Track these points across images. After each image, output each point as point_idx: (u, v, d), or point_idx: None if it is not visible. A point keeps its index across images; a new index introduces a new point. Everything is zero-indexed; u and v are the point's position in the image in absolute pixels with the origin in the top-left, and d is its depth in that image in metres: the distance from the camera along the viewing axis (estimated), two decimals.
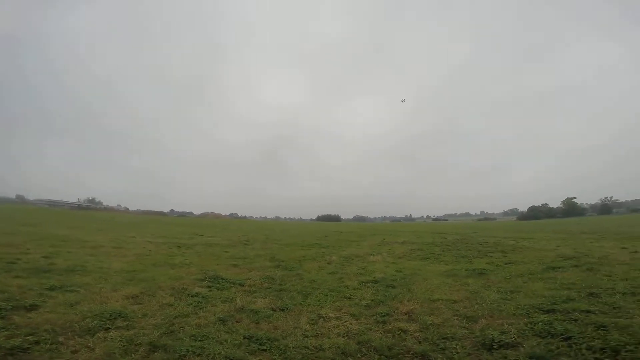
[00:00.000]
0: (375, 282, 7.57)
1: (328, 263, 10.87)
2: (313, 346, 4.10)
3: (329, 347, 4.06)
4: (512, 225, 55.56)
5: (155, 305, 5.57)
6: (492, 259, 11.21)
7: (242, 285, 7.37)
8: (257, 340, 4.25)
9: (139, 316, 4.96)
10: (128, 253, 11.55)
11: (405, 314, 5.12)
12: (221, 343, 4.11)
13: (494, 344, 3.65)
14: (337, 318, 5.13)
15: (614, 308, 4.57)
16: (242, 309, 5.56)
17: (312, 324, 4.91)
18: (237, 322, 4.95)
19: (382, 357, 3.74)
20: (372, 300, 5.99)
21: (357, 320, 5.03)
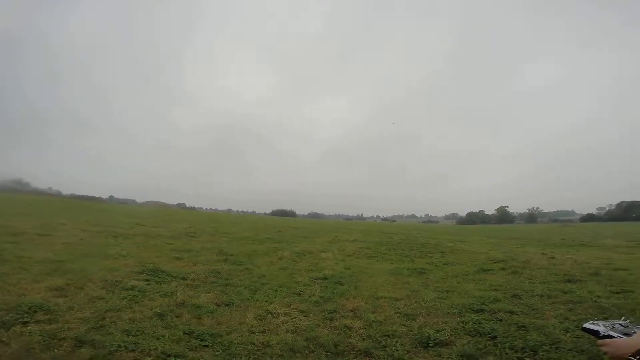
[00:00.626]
0: (325, 278, 7.70)
1: (280, 258, 10.81)
2: (259, 342, 4.05)
3: (277, 344, 4.03)
4: (452, 229, 60.17)
5: (83, 298, 5.09)
6: (432, 259, 12.01)
7: (184, 279, 7.02)
8: (198, 335, 4.10)
9: (64, 309, 4.51)
10: (56, 241, 10.33)
11: (351, 310, 5.28)
12: (158, 339, 3.90)
13: (429, 341, 3.89)
14: (286, 314, 5.12)
15: (533, 309, 5.08)
16: (183, 303, 5.33)
17: (259, 319, 4.84)
18: (176, 317, 4.73)
19: (329, 353, 3.81)
20: (321, 296, 6.08)
21: (305, 316, 5.06)
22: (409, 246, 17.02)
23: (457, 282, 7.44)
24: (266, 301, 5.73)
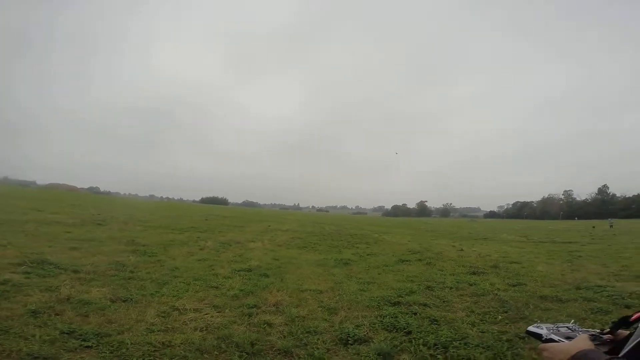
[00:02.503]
0: (249, 270, 7.23)
1: (201, 249, 9.95)
2: (159, 342, 3.50)
3: (180, 343, 3.51)
4: (378, 220, 64.40)
5: None
6: (358, 250, 12.38)
7: (76, 271, 5.98)
8: (80, 335, 3.47)
9: None
10: None
11: (274, 305, 4.93)
12: (26, 339, 3.26)
13: (349, 338, 3.77)
14: (196, 310, 4.54)
15: (443, 302, 5.34)
16: (68, 299, 4.52)
17: (162, 317, 4.23)
18: (56, 314, 4.00)
19: (243, 354, 3.41)
20: (241, 290, 5.60)
21: (220, 312, 4.56)
22: (338, 237, 17.44)
23: (378, 274, 7.65)
24: (174, 296, 5.07)
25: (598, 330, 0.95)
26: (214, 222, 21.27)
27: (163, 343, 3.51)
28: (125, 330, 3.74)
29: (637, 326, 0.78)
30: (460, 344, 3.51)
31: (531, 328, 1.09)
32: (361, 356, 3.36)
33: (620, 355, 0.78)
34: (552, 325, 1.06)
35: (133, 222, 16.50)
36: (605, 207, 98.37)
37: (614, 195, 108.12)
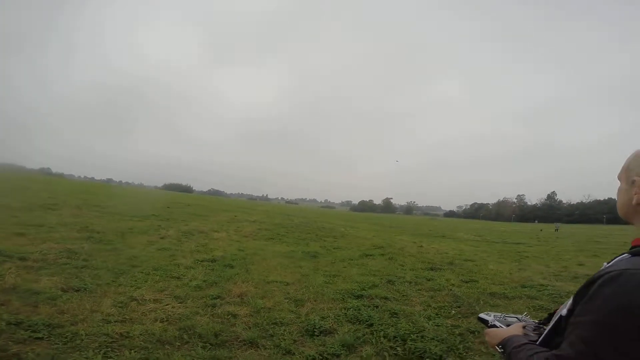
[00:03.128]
0: (213, 260, 7.08)
1: (162, 238, 9.56)
2: (117, 333, 3.37)
3: (139, 334, 3.40)
4: (346, 215, 65.56)
5: None
6: (325, 243, 12.56)
7: (23, 259, 5.53)
8: (29, 326, 3.27)
9: None
10: None
11: (239, 296, 4.89)
12: None
13: (315, 330, 3.84)
14: (155, 301, 4.39)
15: (403, 295, 5.56)
16: (14, 288, 4.21)
17: (119, 307, 4.06)
18: (1, 305, 3.71)
19: (207, 344, 3.37)
20: (204, 280, 5.49)
21: (181, 303, 4.44)
22: (306, 229, 17.53)
23: (344, 267, 7.84)
24: (132, 286, 4.87)
25: (537, 321, 1.08)
26: (176, 210, 20.44)
27: (121, 334, 3.39)
28: (79, 321, 3.56)
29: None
30: (417, 336, 3.72)
31: (481, 315, 1.24)
32: (326, 347, 3.45)
33: (537, 341, 0.91)
34: (500, 315, 1.19)
35: (88, 208, 15.44)
36: (552, 212, 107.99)
37: (560, 201, 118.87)
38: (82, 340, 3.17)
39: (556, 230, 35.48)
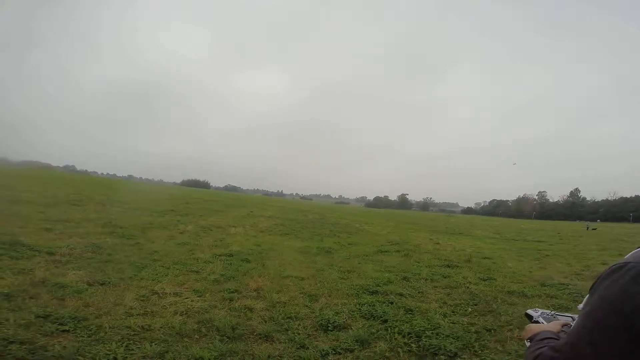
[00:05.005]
0: (230, 255, 7.24)
1: (181, 232, 9.85)
2: (138, 326, 3.49)
3: (160, 327, 3.52)
4: (360, 211, 65.40)
5: None
6: (340, 239, 12.59)
7: (51, 253, 5.81)
8: (56, 319, 3.40)
9: None
10: None
11: (255, 290, 5.00)
12: (0, 323, 3.16)
13: (329, 325, 3.88)
14: (175, 294, 4.54)
15: (419, 292, 5.55)
16: (43, 282, 4.40)
17: (141, 300, 4.21)
18: (30, 298, 3.88)
19: (224, 337, 3.46)
20: (222, 275, 5.63)
21: (200, 296, 4.58)
22: (321, 225, 17.64)
23: (358, 263, 7.85)
24: (153, 280, 5.05)
25: None
26: (194, 206, 20.97)
27: (142, 327, 3.50)
28: (103, 314, 3.69)
29: None
30: (432, 333, 3.70)
31: (529, 311, 1.21)
32: (340, 342, 3.49)
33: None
34: (549, 312, 1.15)
35: (111, 204, 16.08)
36: (575, 209, 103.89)
37: (584, 198, 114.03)
38: (106, 333, 3.29)
39: (592, 229, 33.64)
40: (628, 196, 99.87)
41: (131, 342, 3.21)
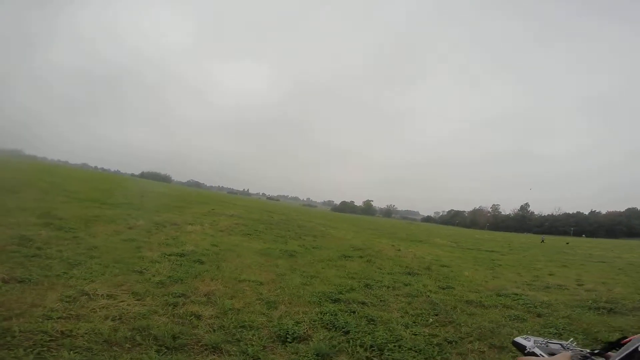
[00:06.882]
0: (182, 255, 6.65)
1: (130, 228, 9.00)
2: (57, 331, 3.01)
3: (85, 333, 3.04)
4: (327, 214, 65.56)
5: None
6: (304, 242, 12.31)
7: None
8: None
9: None
10: None
11: (205, 295, 4.53)
12: None
13: (288, 335, 3.57)
14: (109, 296, 3.98)
15: (380, 301, 5.38)
16: None
17: (66, 302, 3.65)
18: None
19: (162, 348, 3.03)
20: (169, 277, 5.08)
21: (139, 300, 4.05)
22: (286, 227, 17.22)
23: (322, 268, 7.61)
24: (85, 279, 4.43)
25: (589, 350, 0.90)
26: (150, 201, 19.60)
27: (62, 332, 3.02)
28: (15, 316, 3.15)
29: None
30: (394, 346, 3.51)
31: (518, 339, 1.06)
32: (299, 355, 3.19)
33: None
34: (542, 340, 1.02)
35: (54, 192, 14.53)
36: (524, 222, 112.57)
37: (532, 212, 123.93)
38: (15, 337, 2.80)
39: (542, 241, 36.54)
40: (570, 212, 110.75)
41: (45, 349, 2.75)
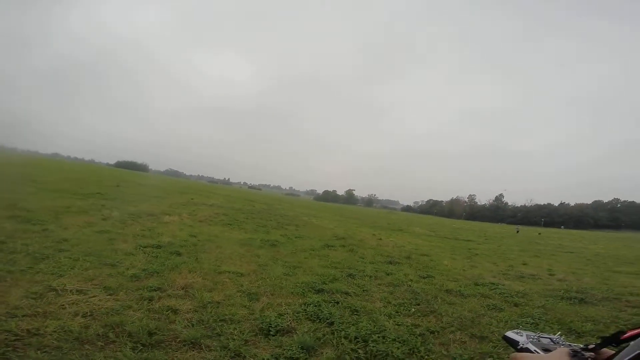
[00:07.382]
0: (158, 247, 6.41)
1: (103, 219, 8.59)
2: (23, 329, 2.82)
3: (53, 331, 2.86)
4: (310, 203, 65.70)
5: None
6: (287, 231, 12.23)
7: None
8: None
9: None
10: None
11: (182, 288, 4.36)
12: None
13: (271, 328, 3.47)
14: (79, 292, 3.76)
15: (363, 290, 5.38)
16: None
17: (32, 298, 3.43)
18: None
19: (138, 345, 2.87)
20: (144, 270, 4.86)
21: (111, 295, 3.84)
22: (268, 216, 17.04)
23: (305, 258, 7.56)
24: (53, 274, 4.17)
25: (582, 346, 0.84)
26: (127, 190, 18.88)
27: (29, 331, 2.83)
28: None
29: (625, 346, 0.64)
30: (379, 337, 3.50)
31: (509, 333, 0.98)
32: (283, 349, 3.10)
33: None
34: (533, 334, 0.94)
35: (24, 183, 13.65)
36: (499, 212, 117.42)
37: (506, 203, 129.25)
38: None
39: (517, 232, 38.01)
40: (542, 203, 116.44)
41: (10, 349, 2.58)
